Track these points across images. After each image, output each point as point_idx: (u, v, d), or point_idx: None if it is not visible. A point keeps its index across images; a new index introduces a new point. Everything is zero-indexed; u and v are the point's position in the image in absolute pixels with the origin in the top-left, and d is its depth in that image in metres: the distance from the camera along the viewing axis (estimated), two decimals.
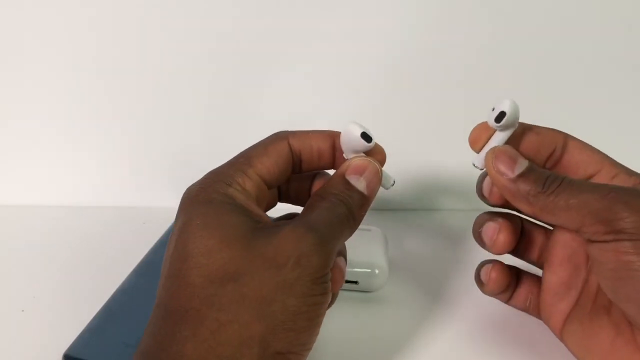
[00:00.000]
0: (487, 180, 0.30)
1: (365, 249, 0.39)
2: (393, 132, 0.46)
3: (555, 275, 0.31)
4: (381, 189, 0.29)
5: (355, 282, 0.38)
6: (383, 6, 0.41)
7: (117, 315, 0.34)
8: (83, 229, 0.45)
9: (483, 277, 0.32)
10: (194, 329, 0.23)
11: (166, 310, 0.25)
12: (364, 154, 0.29)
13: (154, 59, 0.43)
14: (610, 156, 0.30)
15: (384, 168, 0.29)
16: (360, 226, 0.41)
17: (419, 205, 0.46)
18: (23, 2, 0.40)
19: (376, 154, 0.29)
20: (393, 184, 0.30)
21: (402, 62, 0.43)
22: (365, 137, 0.27)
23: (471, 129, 0.46)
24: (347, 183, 0.28)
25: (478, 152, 0.30)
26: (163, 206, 0.48)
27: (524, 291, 0.33)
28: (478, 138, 0.30)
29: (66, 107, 0.45)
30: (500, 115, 0.28)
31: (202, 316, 0.24)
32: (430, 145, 0.47)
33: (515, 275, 0.33)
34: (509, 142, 0.29)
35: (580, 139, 0.30)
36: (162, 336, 0.24)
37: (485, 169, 0.29)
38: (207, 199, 0.26)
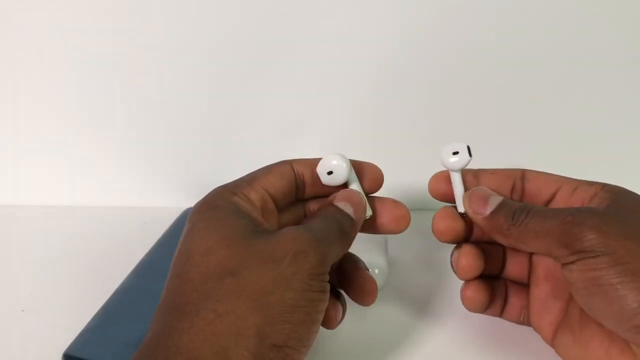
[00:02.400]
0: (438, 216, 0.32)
1: (365, 249, 0.39)
2: (393, 132, 0.46)
3: (540, 288, 0.32)
4: None
5: None
6: (381, 8, 0.41)
7: (116, 315, 0.34)
8: (83, 229, 0.45)
9: (461, 295, 0.33)
10: (191, 320, 0.24)
11: (167, 307, 0.25)
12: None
13: (154, 59, 0.43)
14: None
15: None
16: None
17: (419, 205, 0.46)
18: (27, 1, 0.40)
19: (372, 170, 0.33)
20: (368, 217, 0.32)
21: (402, 62, 0.43)
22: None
23: (470, 128, 0.47)
24: (337, 207, 0.30)
25: (440, 199, 0.33)
26: (163, 206, 0.48)
27: (517, 305, 0.33)
28: (436, 188, 0.33)
29: (67, 108, 0.45)
30: (455, 152, 0.31)
31: (199, 308, 0.24)
32: (430, 145, 0.46)
33: (494, 291, 0.33)
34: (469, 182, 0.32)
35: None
36: (160, 330, 0.24)
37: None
38: (212, 205, 0.28)
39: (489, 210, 0.30)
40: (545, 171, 0.32)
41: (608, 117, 0.45)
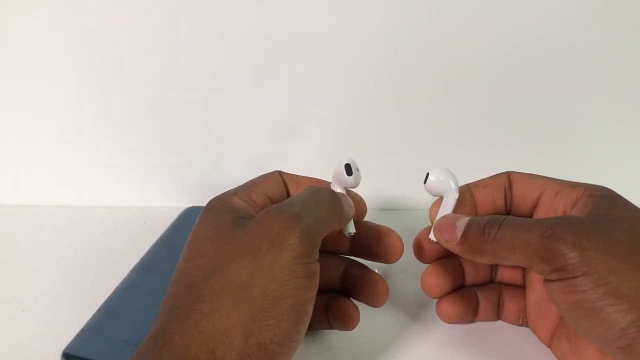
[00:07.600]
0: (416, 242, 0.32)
1: None
2: (393, 132, 0.46)
3: (535, 293, 0.32)
4: None
5: None
6: (381, 8, 0.41)
7: (116, 314, 0.35)
8: (83, 229, 0.45)
9: (436, 309, 0.33)
10: (182, 322, 0.24)
11: (164, 311, 0.26)
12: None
13: (154, 59, 0.43)
14: None
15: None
16: None
17: (419, 205, 0.46)
18: (25, 3, 0.40)
19: (356, 202, 0.32)
20: (351, 234, 0.31)
21: (402, 62, 0.43)
22: (347, 168, 0.30)
23: (468, 128, 0.46)
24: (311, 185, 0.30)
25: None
26: (163, 206, 0.48)
27: (514, 309, 0.33)
28: (432, 214, 0.32)
29: (66, 107, 0.45)
30: (426, 178, 0.31)
31: (189, 309, 0.24)
32: (430, 145, 0.47)
33: (483, 299, 0.33)
34: (461, 205, 0.31)
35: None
36: (155, 332, 0.25)
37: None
38: (209, 208, 0.29)
39: (459, 234, 0.29)
40: (540, 171, 0.32)
41: (601, 117, 0.46)
